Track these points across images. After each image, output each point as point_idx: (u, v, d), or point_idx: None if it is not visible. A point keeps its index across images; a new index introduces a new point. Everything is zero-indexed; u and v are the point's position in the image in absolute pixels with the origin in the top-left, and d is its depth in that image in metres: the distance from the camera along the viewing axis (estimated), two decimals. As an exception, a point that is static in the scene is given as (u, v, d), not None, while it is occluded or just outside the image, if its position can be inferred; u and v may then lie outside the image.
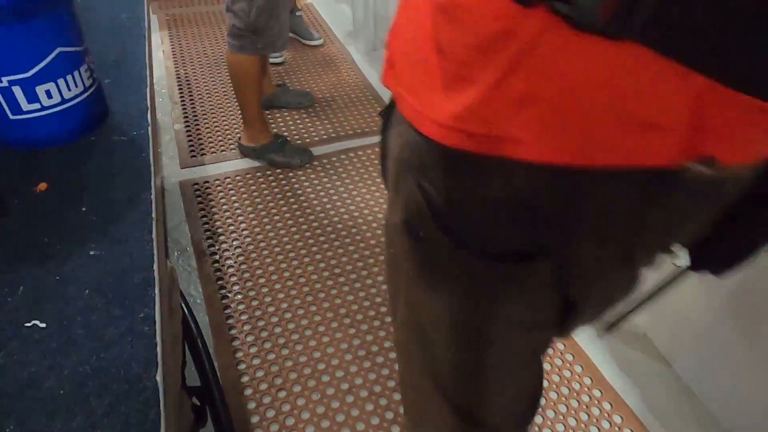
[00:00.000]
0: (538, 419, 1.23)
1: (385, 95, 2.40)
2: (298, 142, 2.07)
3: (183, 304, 1.36)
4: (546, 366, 1.35)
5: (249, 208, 1.75)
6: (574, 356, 1.37)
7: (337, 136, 2.13)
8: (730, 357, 1.18)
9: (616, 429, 1.23)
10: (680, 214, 0.46)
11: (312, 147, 2.03)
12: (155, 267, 0.94)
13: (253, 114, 1.81)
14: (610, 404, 1.28)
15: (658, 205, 0.43)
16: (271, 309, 1.43)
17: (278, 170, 1.91)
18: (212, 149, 1.98)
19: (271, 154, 1.90)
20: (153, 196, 1.09)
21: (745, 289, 1.10)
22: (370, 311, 1.45)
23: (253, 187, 1.83)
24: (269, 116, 2.17)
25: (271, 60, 2.58)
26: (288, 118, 2.21)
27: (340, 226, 1.70)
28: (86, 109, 1.17)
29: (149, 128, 1.29)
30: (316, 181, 1.87)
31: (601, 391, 1.30)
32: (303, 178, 1.89)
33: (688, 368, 1.33)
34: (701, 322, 1.24)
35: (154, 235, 1.00)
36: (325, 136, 2.12)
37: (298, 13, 2.73)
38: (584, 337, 1.42)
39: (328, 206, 1.78)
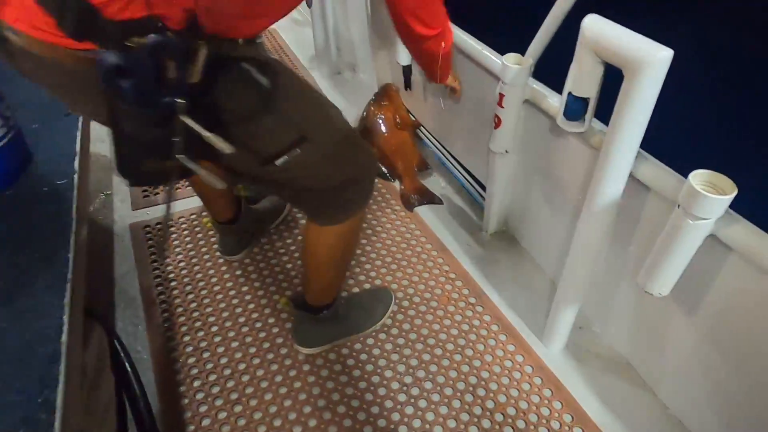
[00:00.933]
0: (514, 467, 1.13)
1: (351, 120, 2.33)
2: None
3: (127, 364, 1.25)
4: (522, 404, 1.25)
5: (204, 249, 1.65)
6: (552, 391, 1.27)
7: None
8: (715, 383, 1.09)
9: (601, 472, 1.13)
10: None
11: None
12: (63, 339, 0.84)
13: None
14: (593, 443, 1.18)
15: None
16: (224, 361, 1.33)
17: (236, 205, 1.82)
18: (167, 188, 1.88)
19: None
20: (72, 255, 0.99)
21: (723, 311, 1.02)
22: (330, 354, 1.35)
23: (209, 225, 1.73)
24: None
25: None
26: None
27: (301, 266, 1.61)
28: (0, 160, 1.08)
29: (76, 176, 1.20)
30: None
31: (582, 428, 1.20)
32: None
33: (674, 397, 1.23)
34: (684, 348, 1.15)
35: (67, 301, 0.90)
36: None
37: (258, 41, 2.66)
38: (564, 370, 1.33)
39: (290, 243, 1.68)
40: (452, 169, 1.97)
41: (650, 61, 0.86)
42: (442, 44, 1.19)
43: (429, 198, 1.87)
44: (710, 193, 0.83)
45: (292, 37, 3.03)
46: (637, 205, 1.11)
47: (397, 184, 1.93)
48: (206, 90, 0.78)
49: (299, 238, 1.70)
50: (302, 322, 1.35)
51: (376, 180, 1.93)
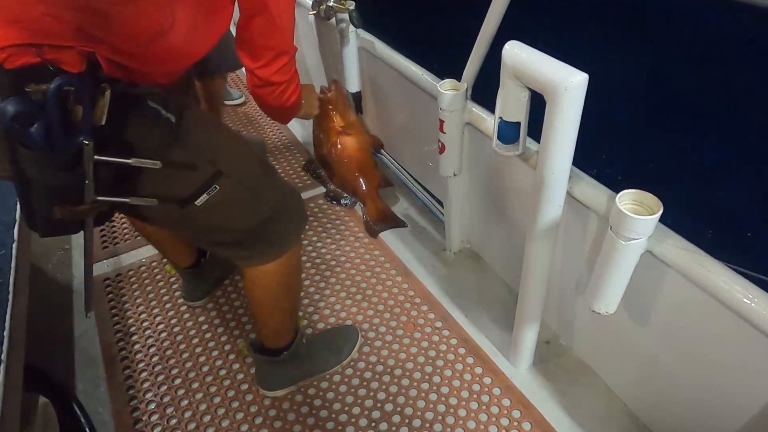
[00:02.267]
0: (486, 496, 1.11)
1: (311, 148, 2.33)
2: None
3: (87, 429, 1.22)
4: (492, 429, 1.24)
5: (165, 298, 1.62)
6: (521, 412, 1.27)
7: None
8: (674, 386, 1.09)
9: (573, 492, 1.12)
10: None
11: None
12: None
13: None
14: (564, 462, 1.17)
15: None
16: (188, 414, 1.30)
17: (198, 248, 1.80)
18: (126, 237, 1.86)
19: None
20: (6, 332, 0.97)
21: (670, 322, 1.02)
22: (297, 396, 1.33)
23: (172, 272, 1.70)
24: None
25: (232, 102, 2.54)
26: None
27: (264, 301, 1.59)
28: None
29: (14, 245, 1.17)
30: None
31: (553, 448, 1.20)
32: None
33: (642, 405, 1.23)
34: (643, 356, 1.15)
35: (0, 382, 0.88)
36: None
37: None
38: (532, 388, 1.32)
39: (252, 280, 1.66)
40: (414, 189, 1.97)
41: (566, 85, 0.86)
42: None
43: (393, 222, 1.86)
44: (638, 212, 0.84)
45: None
46: (580, 221, 1.11)
47: (359, 209, 1.92)
48: (114, 131, 0.78)
49: (262, 276, 1.68)
50: (264, 366, 1.33)
51: (336, 207, 1.94)
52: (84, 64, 0.74)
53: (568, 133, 0.91)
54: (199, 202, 0.91)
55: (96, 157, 0.75)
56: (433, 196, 1.85)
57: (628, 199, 0.86)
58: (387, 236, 1.81)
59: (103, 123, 0.75)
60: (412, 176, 1.94)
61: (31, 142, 0.71)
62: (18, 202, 0.84)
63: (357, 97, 1.89)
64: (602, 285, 0.95)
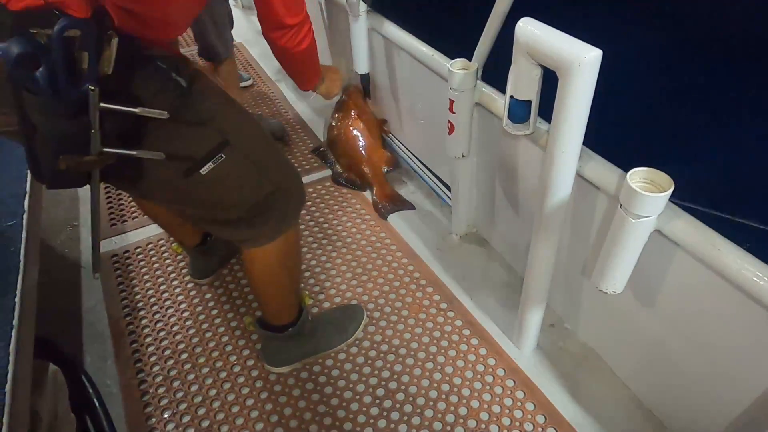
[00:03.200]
0: (488, 474, 1.12)
1: (319, 131, 2.32)
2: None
3: (95, 399, 1.24)
4: (495, 408, 1.25)
5: (173, 275, 1.63)
6: (525, 393, 1.27)
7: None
8: (680, 373, 1.09)
9: (575, 471, 1.13)
10: None
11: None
12: (7, 389, 0.83)
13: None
14: (567, 443, 1.18)
15: None
16: (194, 388, 1.31)
17: (205, 227, 1.81)
18: (134, 214, 1.87)
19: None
20: (18, 299, 0.98)
21: (678, 303, 1.02)
22: (302, 372, 1.34)
23: (178, 251, 1.71)
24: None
25: (241, 84, 2.54)
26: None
27: (270, 280, 1.59)
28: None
29: (24, 216, 1.18)
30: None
31: (555, 429, 1.20)
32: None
33: (645, 388, 1.23)
34: (649, 339, 1.15)
35: (12, 349, 0.89)
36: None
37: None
38: (536, 370, 1.32)
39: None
40: (420, 173, 1.96)
41: (580, 62, 0.85)
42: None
43: (401, 204, 1.86)
44: (648, 190, 0.83)
45: (258, 50, 3.02)
46: (589, 202, 1.11)
47: (368, 194, 1.92)
48: (121, 84, 0.77)
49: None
50: (269, 342, 1.34)
51: (343, 189, 1.94)
52: (89, 10, 0.72)
53: (580, 111, 0.91)
54: (204, 170, 0.90)
55: (102, 104, 0.73)
56: (440, 180, 1.85)
57: (638, 177, 0.85)
58: (393, 219, 1.81)
59: (110, 72, 0.73)
60: (419, 159, 1.94)
61: (35, 88, 0.69)
62: (27, 162, 0.82)
63: (365, 79, 1.88)
64: (610, 264, 0.94)
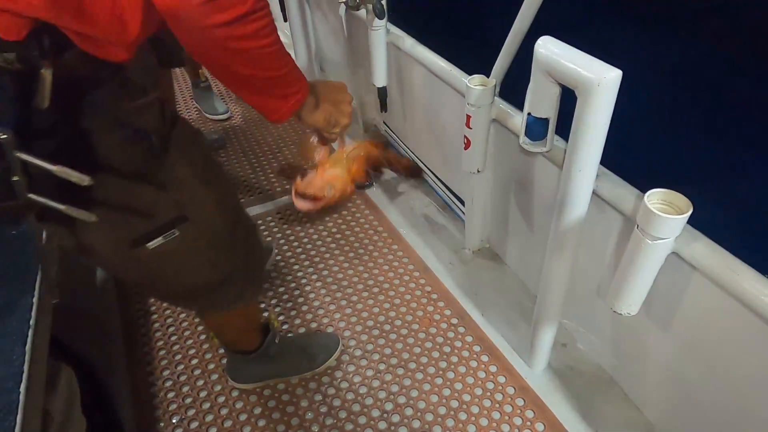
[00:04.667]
0: (496, 494, 1.10)
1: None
2: (259, 194, 1.98)
3: (106, 401, 1.24)
4: (504, 427, 1.23)
5: (186, 280, 1.65)
6: (535, 413, 1.26)
7: (274, 192, 2.05)
8: (695, 400, 1.07)
9: (584, 495, 1.11)
10: None
11: (265, 202, 1.96)
12: (21, 389, 0.84)
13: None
14: (577, 466, 1.15)
15: None
16: (203, 394, 1.32)
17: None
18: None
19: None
20: (36, 298, 0.99)
21: (694, 326, 1.00)
22: (311, 383, 1.34)
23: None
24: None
25: (216, 117, 2.53)
26: (236, 169, 2.13)
27: (283, 284, 1.60)
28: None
29: (45, 217, 1.20)
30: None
31: (565, 451, 1.18)
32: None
33: (659, 413, 1.21)
34: (663, 362, 1.13)
35: (28, 348, 0.90)
36: (260, 193, 2.04)
37: (202, 84, 2.50)
38: (547, 390, 1.31)
39: (283, 260, 1.68)
40: (434, 186, 1.97)
41: (600, 82, 0.85)
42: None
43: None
44: (666, 212, 0.82)
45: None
46: (605, 221, 1.10)
47: (377, 200, 1.92)
48: (66, 126, 0.66)
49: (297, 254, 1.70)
50: (232, 359, 1.33)
51: (349, 200, 1.91)
52: (24, 31, 0.58)
53: (598, 130, 0.90)
54: (151, 245, 0.79)
55: (18, 154, 0.60)
56: (455, 194, 1.85)
57: (656, 198, 0.85)
58: (407, 232, 1.81)
59: (45, 107, 0.61)
60: (434, 173, 1.94)
61: None
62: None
63: (383, 92, 1.89)
64: (625, 285, 0.93)
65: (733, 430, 1.00)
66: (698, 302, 0.95)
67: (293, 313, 1.53)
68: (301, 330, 1.48)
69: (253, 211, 1.93)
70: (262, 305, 1.55)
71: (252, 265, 1.02)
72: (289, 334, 1.47)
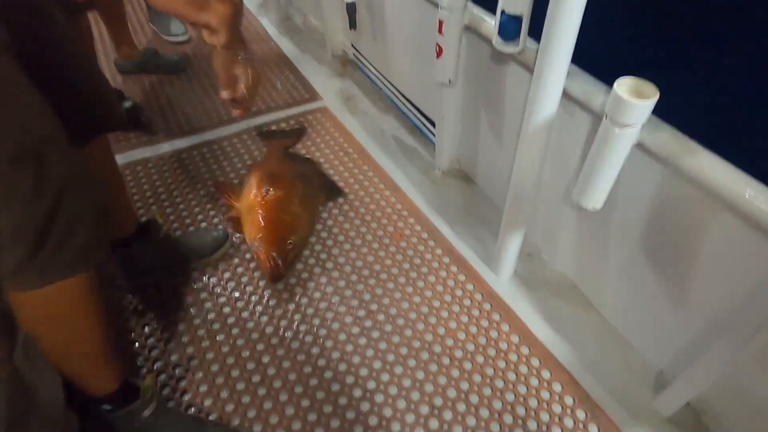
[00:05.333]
0: (463, 385, 1.17)
1: (302, 65, 2.27)
2: (225, 118, 1.92)
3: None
4: (472, 329, 1.28)
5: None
6: (501, 315, 1.31)
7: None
8: (651, 296, 1.14)
9: (545, 384, 1.18)
10: None
11: (220, 127, 1.90)
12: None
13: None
14: (539, 360, 1.22)
15: None
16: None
17: (175, 157, 1.77)
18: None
19: None
20: None
21: (648, 243, 1.05)
22: (290, 304, 1.35)
23: (146, 179, 1.68)
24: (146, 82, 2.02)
25: (174, 39, 2.40)
26: (199, 94, 2.05)
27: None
28: None
29: None
30: (232, 160, 1.75)
31: (529, 348, 1.25)
32: (211, 161, 1.76)
33: (617, 314, 1.29)
34: (621, 266, 1.19)
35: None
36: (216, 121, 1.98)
37: None
38: (512, 296, 1.36)
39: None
40: (403, 108, 1.95)
41: (574, -32, 0.84)
42: None
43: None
44: (634, 99, 0.84)
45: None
46: (572, 123, 1.11)
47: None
48: None
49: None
50: None
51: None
52: None
53: (570, 25, 0.90)
54: None
55: None
56: (426, 117, 1.84)
57: (625, 86, 0.86)
58: (376, 154, 1.80)
59: None
60: (404, 96, 1.92)
61: None
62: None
63: (351, 9, 1.83)
64: (591, 179, 0.96)
65: (684, 318, 1.07)
66: (661, 196, 0.99)
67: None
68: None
69: (219, 133, 1.88)
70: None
71: (76, 196, 0.75)
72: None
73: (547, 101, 1.02)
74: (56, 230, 0.72)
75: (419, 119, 1.87)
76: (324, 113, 1.99)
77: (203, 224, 1.54)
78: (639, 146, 0.93)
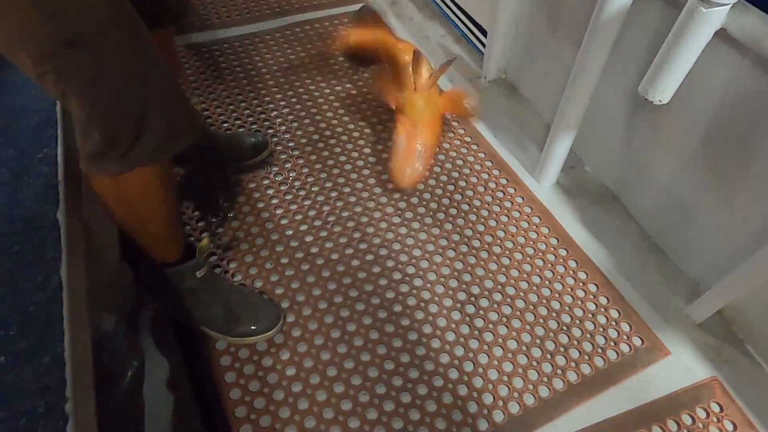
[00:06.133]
0: (500, 278, 1.19)
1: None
2: (241, 15, 1.87)
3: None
4: (512, 228, 1.30)
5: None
6: (541, 218, 1.32)
7: (282, 10, 1.93)
8: (696, 210, 1.13)
9: (581, 284, 1.20)
10: None
11: (260, 21, 1.85)
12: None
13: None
14: (576, 262, 1.24)
15: None
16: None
17: (212, 48, 1.74)
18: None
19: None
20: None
21: (706, 144, 1.03)
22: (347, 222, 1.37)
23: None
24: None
25: None
26: (236, -8, 1.99)
27: (294, 110, 1.57)
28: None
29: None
30: (270, 59, 1.72)
31: (567, 250, 1.26)
32: (243, 56, 1.73)
33: (655, 225, 1.29)
34: (666, 177, 1.19)
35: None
36: (277, 8, 1.92)
37: None
38: (552, 201, 1.37)
39: (281, 85, 1.63)
40: (451, 17, 1.88)
41: None
42: None
43: None
44: (727, -24, 0.80)
45: None
46: (646, 17, 1.07)
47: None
48: None
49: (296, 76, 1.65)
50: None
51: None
52: None
53: None
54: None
55: None
56: (475, 24, 1.77)
57: (719, -39, 0.82)
58: (421, 59, 1.76)
59: None
60: (452, 1, 1.84)
61: None
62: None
63: None
64: (664, 66, 0.93)
65: (730, 237, 1.07)
66: (729, 91, 0.96)
67: (306, 121, 1.52)
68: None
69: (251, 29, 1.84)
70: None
71: (146, 90, 0.73)
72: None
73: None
74: (128, 121, 0.70)
75: (467, 27, 1.81)
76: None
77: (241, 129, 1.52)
78: (720, 35, 0.90)
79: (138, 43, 0.70)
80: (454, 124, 1.54)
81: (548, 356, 1.08)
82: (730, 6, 0.83)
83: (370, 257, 1.22)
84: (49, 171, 0.72)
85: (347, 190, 1.36)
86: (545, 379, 1.05)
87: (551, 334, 1.11)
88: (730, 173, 1.04)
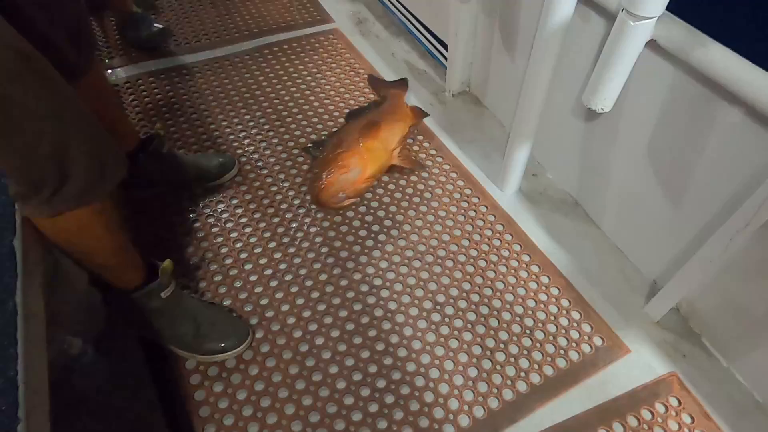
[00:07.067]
0: (465, 285, 1.23)
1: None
2: (210, 39, 1.91)
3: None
4: (475, 237, 1.33)
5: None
6: (504, 226, 1.36)
7: (251, 33, 1.97)
8: (649, 210, 1.18)
9: (543, 288, 1.24)
10: None
11: (229, 45, 1.89)
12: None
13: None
14: (538, 266, 1.28)
15: None
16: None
17: (181, 72, 1.78)
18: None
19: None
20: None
21: (652, 147, 1.08)
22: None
23: (152, 96, 1.69)
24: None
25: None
26: (200, 13, 2.03)
27: (269, 129, 1.61)
28: None
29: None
30: (238, 81, 1.75)
31: (529, 255, 1.30)
32: (213, 79, 1.76)
33: (613, 227, 1.33)
34: (620, 181, 1.23)
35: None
36: (246, 31, 1.97)
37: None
38: (516, 209, 1.41)
39: (259, 102, 1.67)
40: (416, 33, 1.94)
41: None
42: None
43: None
44: (651, -8, 0.85)
45: None
46: (586, 31, 1.12)
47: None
48: None
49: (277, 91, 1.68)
50: None
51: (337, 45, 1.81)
52: None
53: None
54: None
55: None
56: (438, 40, 1.83)
57: (643, -21, 0.87)
58: (387, 74, 1.81)
59: None
60: (416, 18, 1.90)
61: None
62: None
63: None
64: (603, 78, 0.98)
65: (681, 233, 1.11)
66: (667, 97, 1.01)
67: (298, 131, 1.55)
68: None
69: (231, 50, 1.88)
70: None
71: (68, 128, 0.72)
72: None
73: (561, 6, 1.02)
74: (47, 168, 0.70)
75: (431, 42, 1.86)
76: (336, 35, 1.98)
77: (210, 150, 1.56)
78: (651, 45, 0.95)
79: (50, 92, 0.69)
80: (419, 137, 1.58)
81: (511, 359, 1.11)
82: (656, 19, 0.88)
83: (337, 271, 1.25)
84: (6, 199, 0.74)
85: (314, 206, 1.39)
86: (509, 382, 1.08)
87: (514, 338, 1.15)
88: (675, 174, 1.09)
